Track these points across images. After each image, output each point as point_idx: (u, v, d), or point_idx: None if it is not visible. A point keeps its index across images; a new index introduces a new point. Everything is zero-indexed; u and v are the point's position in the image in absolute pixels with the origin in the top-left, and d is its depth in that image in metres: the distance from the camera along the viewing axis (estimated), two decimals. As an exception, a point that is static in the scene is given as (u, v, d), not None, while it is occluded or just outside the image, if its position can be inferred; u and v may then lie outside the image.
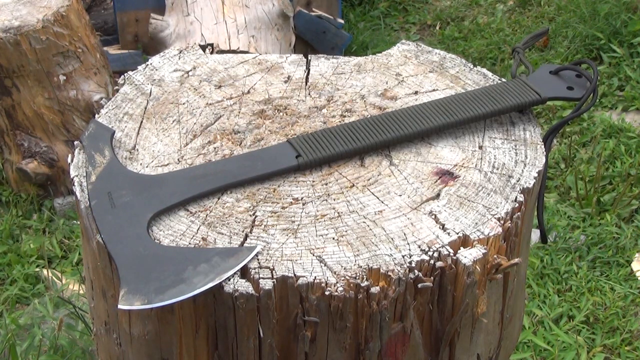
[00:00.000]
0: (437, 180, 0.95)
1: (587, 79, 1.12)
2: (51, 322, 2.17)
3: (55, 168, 2.90)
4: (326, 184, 0.95)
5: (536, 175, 0.96)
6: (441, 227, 0.88)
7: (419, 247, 0.85)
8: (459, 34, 4.30)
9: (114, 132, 1.02)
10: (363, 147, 0.98)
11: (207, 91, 1.13)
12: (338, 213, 0.90)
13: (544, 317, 2.28)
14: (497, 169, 0.97)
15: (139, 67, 1.19)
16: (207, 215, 0.90)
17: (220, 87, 1.14)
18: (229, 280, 0.81)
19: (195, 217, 0.90)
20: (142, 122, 1.06)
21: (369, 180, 0.95)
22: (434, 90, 1.13)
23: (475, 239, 0.86)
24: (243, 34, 3.46)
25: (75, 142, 1.01)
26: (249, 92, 1.13)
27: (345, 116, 1.07)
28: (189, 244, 0.86)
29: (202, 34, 3.46)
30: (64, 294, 2.27)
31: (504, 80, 1.12)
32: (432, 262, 0.84)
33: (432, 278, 0.84)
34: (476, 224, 0.88)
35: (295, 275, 0.81)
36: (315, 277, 0.81)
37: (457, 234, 0.87)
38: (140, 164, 0.99)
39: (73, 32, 2.80)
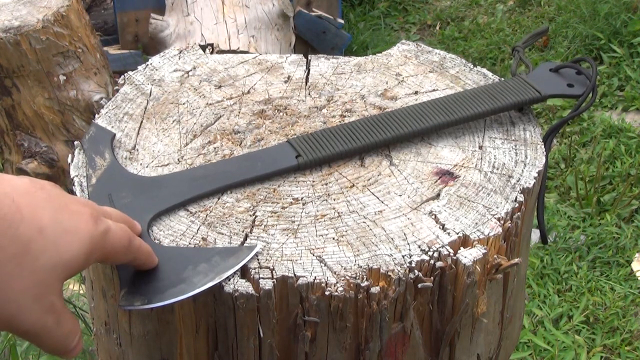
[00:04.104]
0: (437, 180, 0.95)
1: (587, 77, 1.12)
2: (51, 322, 2.16)
3: (55, 168, 2.90)
4: (326, 184, 0.95)
5: (536, 175, 0.96)
6: (441, 227, 0.88)
7: (419, 247, 0.85)
8: (459, 34, 4.30)
9: (114, 135, 1.02)
10: (363, 147, 0.98)
11: (207, 91, 1.13)
12: (338, 213, 0.90)
13: (544, 317, 2.28)
14: (497, 169, 0.97)
15: (139, 67, 1.19)
16: (207, 216, 0.90)
17: (220, 87, 1.14)
18: (229, 280, 0.81)
19: (195, 217, 0.90)
20: (142, 122, 1.06)
21: (369, 180, 0.95)
22: (434, 90, 1.13)
23: (475, 239, 0.86)
24: (243, 34, 3.46)
25: (75, 143, 1.01)
26: (249, 92, 1.13)
27: (345, 116, 1.07)
28: (189, 244, 0.86)
29: (202, 34, 3.46)
30: (64, 294, 2.27)
31: (504, 79, 1.12)
32: (432, 262, 0.84)
33: (432, 278, 0.84)
34: (476, 224, 0.88)
35: (295, 275, 0.81)
36: (315, 277, 0.81)
37: (457, 234, 0.87)
38: (140, 164, 0.99)
39: (73, 32, 2.80)
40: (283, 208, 0.91)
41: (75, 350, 0.71)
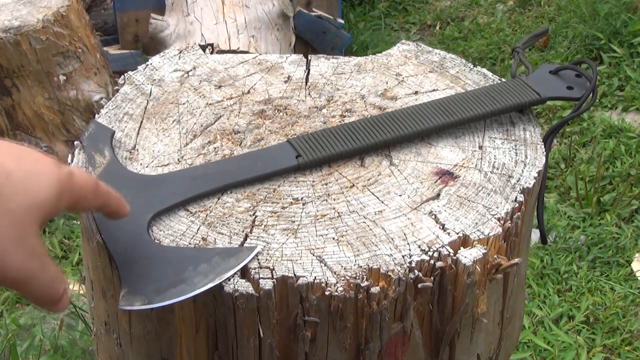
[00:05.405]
0: (437, 180, 0.95)
1: (587, 79, 1.12)
2: (51, 322, 2.17)
3: (55, 168, 2.90)
4: (326, 184, 0.95)
5: (536, 175, 0.96)
6: (441, 227, 0.88)
7: (419, 247, 0.85)
8: (459, 34, 4.30)
9: (114, 132, 1.02)
10: (363, 147, 0.98)
11: (207, 91, 1.13)
12: (338, 213, 0.90)
13: (544, 317, 2.28)
14: (497, 169, 0.97)
15: (139, 67, 1.19)
16: (207, 215, 0.90)
17: (220, 87, 1.14)
18: (229, 280, 0.81)
19: (195, 217, 0.90)
20: (142, 122, 1.06)
21: (369, 180, 0.95)
22: (434, 90, 1.13)
23: (475, 239, 0.86)
24: (243, 34, 3.46)
25: (75, 142, 1.01)
26: (249, 92, 1.13)
27: (345, 116, 1.07)
28: (189, 244, 0.86)
29: (202, 34, 3.46)
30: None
31: (504, 80, 1.12)
32: (432, 262, 0.84)
33: (432, 278, 0.84)
34: (476, 224, 0.88)
35: (295, 275, 0.81)
36: (315, 277, 0.81)
37: (457, 234, 0.87)
38: (140, 164, 0.99)
39: (73, 32, 2.80)
40: (283, 208, 0.91)
41: (63, 301, 0.72)
